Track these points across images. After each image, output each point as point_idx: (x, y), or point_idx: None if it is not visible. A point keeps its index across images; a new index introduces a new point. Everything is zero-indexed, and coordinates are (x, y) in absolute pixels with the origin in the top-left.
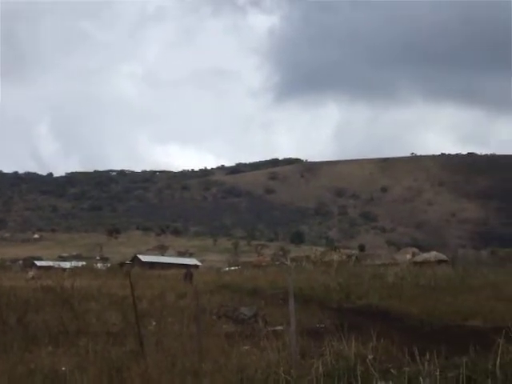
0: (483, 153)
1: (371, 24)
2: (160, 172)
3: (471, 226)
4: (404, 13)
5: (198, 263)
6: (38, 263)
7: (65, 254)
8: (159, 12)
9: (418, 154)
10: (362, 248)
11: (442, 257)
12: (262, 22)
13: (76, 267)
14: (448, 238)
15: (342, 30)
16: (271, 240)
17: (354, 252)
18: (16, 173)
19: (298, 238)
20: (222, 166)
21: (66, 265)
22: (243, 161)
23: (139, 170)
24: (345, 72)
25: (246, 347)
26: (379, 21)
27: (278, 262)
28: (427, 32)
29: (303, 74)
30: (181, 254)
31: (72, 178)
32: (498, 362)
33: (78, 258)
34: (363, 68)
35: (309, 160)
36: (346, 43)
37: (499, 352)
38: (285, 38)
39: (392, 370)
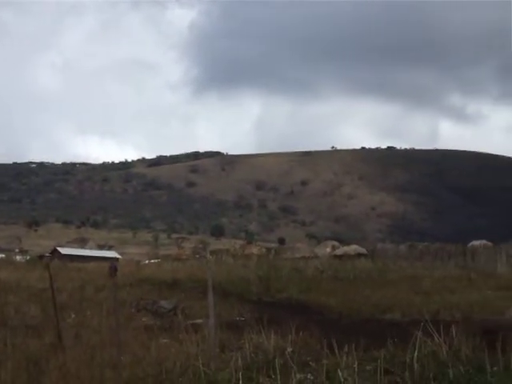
0: (402, 147)
1: (292, 19)
2: (80, 164)
3: (390, 220)
4: (325, 10)
5: (118, 256)
6: None
7: None
8: (79, 3)
9: (338, 147)
10: (281, 241)
11: (362, 250)
12: (182, 16)
13: None
14: (367, 231)
15: (262, 25)
16: (191, 233)
17: (273, 245)
18: None
19: (218, 231)
20: (143, 158)
21: None
22: (164, 153)
23: (59, 162)
24: (265, 66)
25: (165, 340)
26: (300, 16)
27: (197, 255)
28: (347, 28)
29: (223, 67)
30: (100, 247)
31: None
32: (415, 355)
33: None
34: (283, 62)
35: (229, 153)
36: (265, 38)
37: (417, 345)
38: (204, 33)
39: (311, 363)
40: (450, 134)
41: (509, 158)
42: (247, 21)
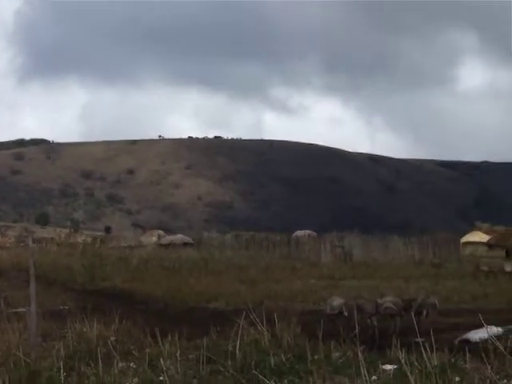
0: (229, 137)
1: (116, 9)
2: None
3: (216, 209)
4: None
5: None
6: None
7: None
8: None
9: (166, 136)
10: (107, 230)
11: (188, 239)
12: (7, 4)
13: None
14: (194, 220)
15: (87, 13)
16: (16, 221)
17: (99, 234)
18: None
19: (43, 220)
20: None
21: None
22: None
23: None
24: (90, 55)
25: None
26: (124, 6)
27: (22, 244)
28: (171, 18)
29: (49, 56)
30: None
31: None
32: (238, 344)
33: None
34: (108, 52)
35: (55, 141)
36: (90, 27)
37: (239, 334)
38: (30, 21)
39: (134, 352)
40: (276, 124)
41: (332, 148)
42: (73, 10)
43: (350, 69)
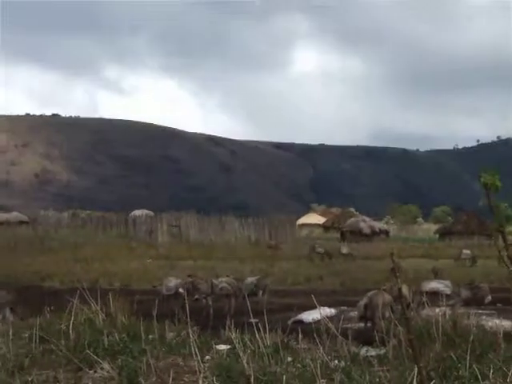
0: (67, 115)
1: None
2: None
3: (54, 188)
4: None
5: None
6: None
7: None
8: None
9: (2, 113)
10: None
11: (23, 218)
12: None
13: None
14: (30, 199)
15: None
16: None
17: None
18: None
19: None
20: None
21: None
22: None
23: None
24: None
25: None
26: None
27: None
28: None
29: None
30: None
31: None
32: (71, 323)
33: None
34: None
35: None
36: None
37: (73, 313)
38: None
39: None
40: (113, 103)
41: (169, 128)
42: None
43: (185, 50)
